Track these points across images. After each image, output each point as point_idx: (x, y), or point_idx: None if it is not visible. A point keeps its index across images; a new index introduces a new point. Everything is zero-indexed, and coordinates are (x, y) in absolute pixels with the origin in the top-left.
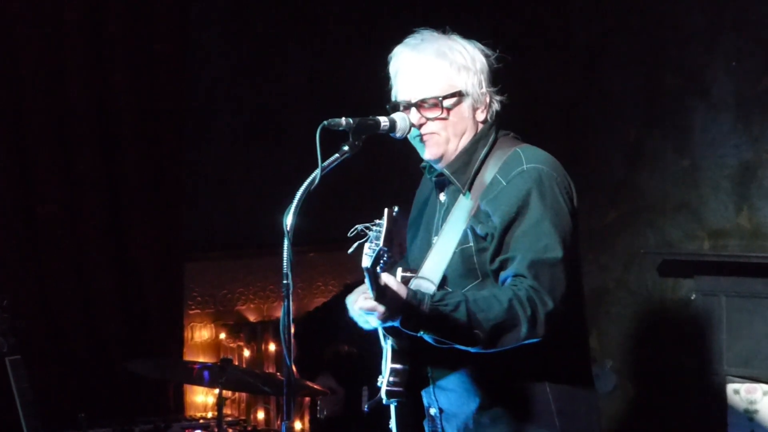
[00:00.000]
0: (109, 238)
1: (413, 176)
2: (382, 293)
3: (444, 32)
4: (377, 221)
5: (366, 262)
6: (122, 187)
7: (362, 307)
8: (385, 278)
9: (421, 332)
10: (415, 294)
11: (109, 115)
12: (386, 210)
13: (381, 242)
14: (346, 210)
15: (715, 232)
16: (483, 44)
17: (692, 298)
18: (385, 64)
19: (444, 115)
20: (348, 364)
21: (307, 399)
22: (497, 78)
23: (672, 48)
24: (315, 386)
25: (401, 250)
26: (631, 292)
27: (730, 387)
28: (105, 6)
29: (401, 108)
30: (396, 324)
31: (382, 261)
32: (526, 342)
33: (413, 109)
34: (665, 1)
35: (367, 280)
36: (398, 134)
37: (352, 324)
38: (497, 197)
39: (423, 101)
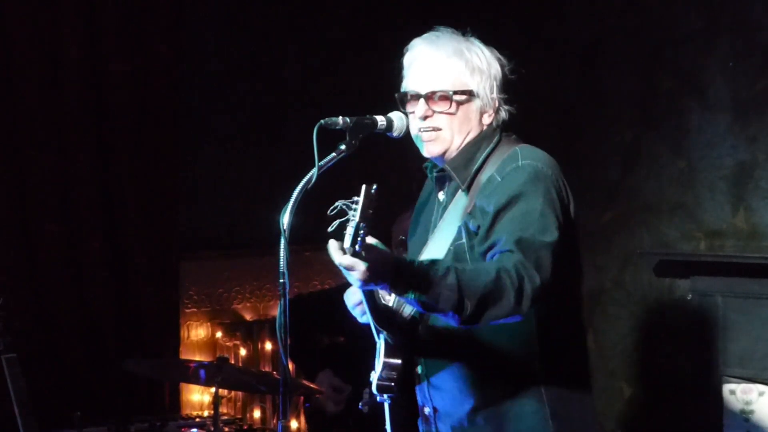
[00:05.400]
0: (105, 238)
1: (410, 175)
2: (367, 251)
3: (464, 34)
4: (355, 198)
5: (347, 241)
6: (118, 186)
7: (341, 263)
8: (371, 240)
9: (411, 294)
10: (403, 257)
11: (104, 114)
12: (364, 186)
13: (357, 218)
14: (342, 210)
15: (711, 232)
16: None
17: (688, 298)
18: (383, 63)
19: (452, 110)
20: (346, 356)
21: (302, 398)
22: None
23: (668, 49)
24: (311, 385)
25: (405, 249)
26: (627, 292)
27: (726, 387)
28: (101, 7)
29: (409, 98)
30: (383, 287)
31: (359, 237)
32: (508, 319)
33: (421, 100)
34: (662, 3)
35: (347, 248)
36: (395, 133)
37: (344, 315)
38: (492, 192)
39: (433, 93)
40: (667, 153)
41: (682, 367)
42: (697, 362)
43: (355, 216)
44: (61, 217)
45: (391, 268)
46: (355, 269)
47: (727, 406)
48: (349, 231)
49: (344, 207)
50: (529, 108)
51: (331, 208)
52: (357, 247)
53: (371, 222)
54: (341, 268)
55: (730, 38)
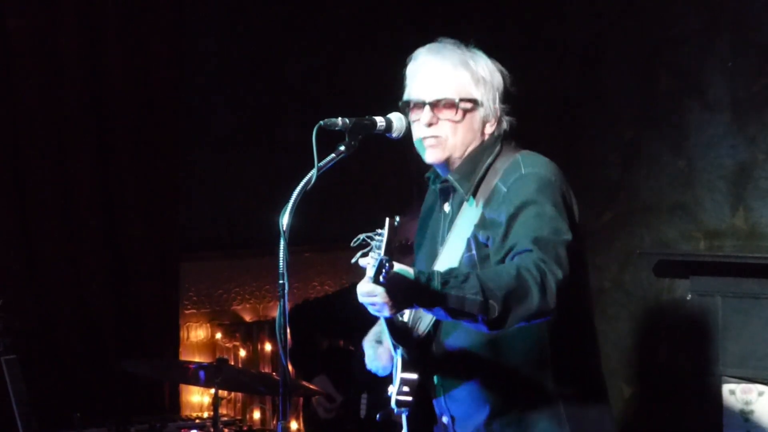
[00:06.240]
0: (104, 239)
1: (410, 177)
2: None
3: (467, 45)
4: (379, 231)
5: (370, 272)
6: (117, 187)
7: (361, 290)
8: (397, 267)
9: (437, 308)
10: (421, 272)
11: (104, 114)
12: (387, 219)
13: (382, 252)
14: (342, 210)
15: (710, 232)
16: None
17: (688, 298)
18: (383, 64)
19: (457, 117)
20: (345, 361)
21: (302, 399)
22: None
23: (668, 49)
24: (311, 386)
25: (412, 261)
26: (626, 292)
27: (726, 387)
28: (101, 7)
29: (413, 106)
30: (408, 308)
31: (384, 270)
32: (537, 319)
33: (426, 107)
34: (662, 3)
35: (369, 279)
36: (394, 134)
37: (349, 320)
38: (500, 203)
39: (438, 101)
40: (667, 153)
41: (681, 367)
42: (697, 362)
43: (379, 248)
44: (61, 217)
45: (412, 289)
46: (375, 295)
47: (726, 405)
48: (372, 263)
49: (366, 239)
50: (529, 108)
51: (354, 240)
52: (381, 279)
53: (394, 254)
54: (364, 300)
55: (730, 38)
